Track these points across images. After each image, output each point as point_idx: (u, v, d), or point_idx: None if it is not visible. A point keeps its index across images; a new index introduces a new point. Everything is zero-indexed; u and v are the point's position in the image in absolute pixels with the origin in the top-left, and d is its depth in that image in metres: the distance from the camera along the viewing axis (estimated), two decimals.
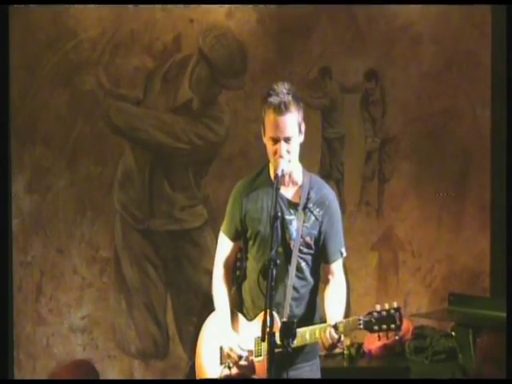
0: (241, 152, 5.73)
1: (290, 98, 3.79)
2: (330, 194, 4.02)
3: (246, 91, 5.73)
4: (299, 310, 3.93)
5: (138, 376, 5.67)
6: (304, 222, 3.91)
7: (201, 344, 4.11)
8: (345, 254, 3.93)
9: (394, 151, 5.97)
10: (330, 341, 3.75)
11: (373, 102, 5.93)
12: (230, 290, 4.11)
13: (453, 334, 5.27)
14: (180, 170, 5.71)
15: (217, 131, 5.73)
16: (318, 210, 3.94)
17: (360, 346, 5.54)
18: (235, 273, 4.19)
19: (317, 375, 4.03)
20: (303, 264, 3.93)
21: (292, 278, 3.90)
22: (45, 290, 5.62)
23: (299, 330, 3.79)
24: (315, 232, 3.93)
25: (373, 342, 5.47)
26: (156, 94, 5.68)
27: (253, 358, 3.87)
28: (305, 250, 3.92)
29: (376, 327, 3.73)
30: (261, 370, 3.84)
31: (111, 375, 5.63)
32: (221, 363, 3.98)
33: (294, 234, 3.89)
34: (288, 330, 3.72)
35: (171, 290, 5.73)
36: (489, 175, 5.93)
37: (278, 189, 3.80)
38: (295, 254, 3.89)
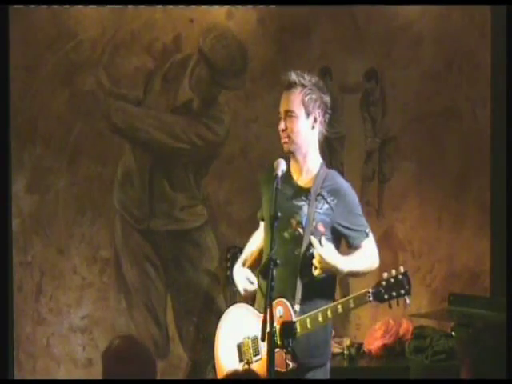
0: (241, 152, 5.74)
1: (298, 75, 4.02)
2: (344, 183, 4.09)
3: (246, 91, 5.73)
4: (303, 297, 3.91)
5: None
6: (316, 207, 3.93)
7: (218, 345, 4.13)
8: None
9: (394, 151, 5.97)
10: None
11: (373, 102, 5.93)
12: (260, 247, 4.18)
13: (453, 333, 5.27)
14: (180, 170, 5.71)
15: (217, 131, 5.73)
16: (331, 198, 3.96)
17: (360, 346, 5.55)
18: (226, 271, 4.26)
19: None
20: (311, 252, 3.92)
21: (302, 264, 3.90)
22: (45, 290, 5.62)
23: (309, 314, 3.82)
24: (328, 220, 3.94)
25: (373, 342, 5.48)
26: (156, 94, 5.68)
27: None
28: (318, 237, 3.91)
29: (386, 296, 3.74)
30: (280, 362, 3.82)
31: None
32: (240, 360, 3.99)
33: (304, 219, 3.91)
34: (288, 330, 3.73)
35: (171, 290, 5.73)
36: (489, 175, 5.93)
37: (277, 189, 3.81)
38: (306, 239, 3.90)
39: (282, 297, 3.85)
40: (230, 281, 4.16)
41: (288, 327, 3.73)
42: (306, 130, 4.01)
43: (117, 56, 5.63)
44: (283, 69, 5.70)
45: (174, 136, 5.68)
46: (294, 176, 4.03)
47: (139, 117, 5.66)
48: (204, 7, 5.63)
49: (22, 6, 5.42)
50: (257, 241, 4.26)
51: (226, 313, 4.16)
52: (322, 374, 4.00)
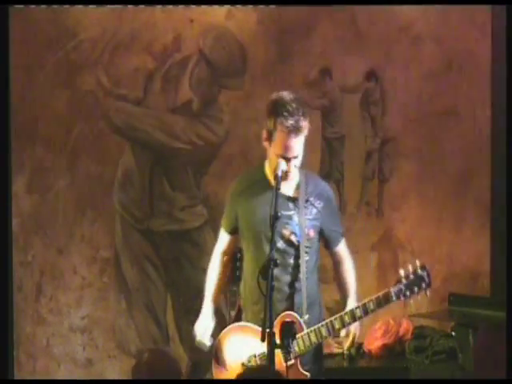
0: (241, 152, 5.73)
1: (303, 118, 3.82)
2: (326, 185, 4.14)
3: (246, 91, 5.72)
4: (308, 306, 3.97)
5: (137, 376, 5.66)
6: (306, 214, 3.94)
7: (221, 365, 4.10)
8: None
9: (394, 151, 5.97)
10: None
11: (373, 102, 5.93)
12: (222, 277, 4.19)
13: (453, 333, 5.27)
14: (180, 170, 5.71)
15: (217, 131, 5.73)
16: (318, 202, 3.99)
17: (360, 345, 5.54)
18: (235, 272, 4.22)
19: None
20: (307, 259, 3.96)
21: (304, 273, 3.92)
22: (45, 289, 5.62)
23: (324, 323, 3.87)
24: (318, 224, 3.97)
25: (373, 342, 5.48)
26: (156, 94, 5.68)
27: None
28: (308, 244, 3.95)
29: (408, 293, 3.78)
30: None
31: (111, 375, 5.63)
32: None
33: (297, 229, 3.92)
34: (288, 330, 3.73)
35: (171, 290, 5.73)
36: (489, 175, 5.93)
37: (278, 189, 3.82)
38: (303, 248, 3.91)
39: (287, 309, 3.89)
40: (238, 265, 4.17)
41: (288, 327, 3.74)
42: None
43: (117, 56, 5.63)
44: (283, 69, 5.76)
45: (174, 136, 5.68)
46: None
47: (139, 117, 5.66)
48: (204, 7, 5.63)
49: (22, 5, 5.42)
50: (216, 273, 4.23)
51: (223, 338, 4.10)
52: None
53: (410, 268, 3.83)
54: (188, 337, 5.67)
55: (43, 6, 5.49)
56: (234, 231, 4.14)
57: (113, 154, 5.66)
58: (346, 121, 5.89)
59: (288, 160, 3.87)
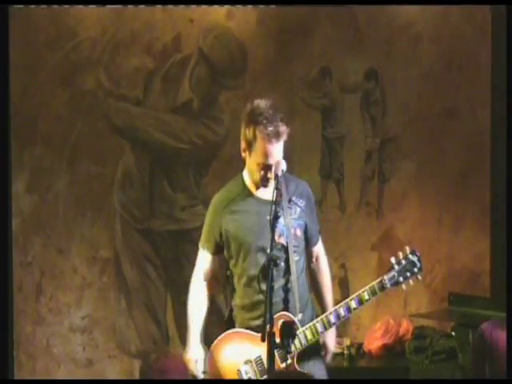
0: (241, 152, 5.72)
1: (281, 124, 3.83)
2: (305, 184, 4.11)
3: (246, 91, 5.72)
4: (301, 305, 3.95)
5: (138, 376, 5.64)
6: (290, 215, 3.94)
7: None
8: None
9: (394, 151, 5.97)
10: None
11: (373, 102, 5.93)
12: (207, 305, 4.19)
13: (453, 333, 5.27)
14: (180, 170, 5.71)
15: (217, 131, 5.73)
16: (301, 200, 4.00)
17: (360, 345, 5.54)
18: (226, 289, 4.21)
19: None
20: (296, 259, 3.96)
21: (295, 273, 3.92)
22: (45, 289, 5.62)
23: (319, 319, 3.88)
24: (303, 222, 3.98)
25: (373, 342, 5.48)
26: (156, 94, 5.68)
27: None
28: (296, 243, 3.95)
29: (401, 278, 3.82)
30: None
31: (111, 375, 5.63)
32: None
33: (285, 230, 3.91)
34: (288, 330, 3.73)
35: (171, 290, 5.73)
36: (489, 175, 5.93)
37: (278, 189, 3.81)
38: (291, 248, 3.91)
39: (283, 310, 3.89)
40: (229, 281, 4.15)
41: (288, 327, 3.74)
42: None
43: (117, 56, 5.63)
44: (283, 69, 5.76)
45: (174, 136, 5.68)
46: (257, 193, 3.99)
47: (139, 117, 5.66)
48: (204, 7, 5.63)
49: (22, 6, 5.42)
50: (202, 299, 4.21)
51: (215, 350, 4.08)
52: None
53: (401, 254, 3.87)
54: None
55: (43, 6, 5.49)
56: (217, 251, 4.10)
57: (113, 154, 5.66)
58: (346, 121, 5.89)
59: (269, 167, 3.86)
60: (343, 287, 5.64)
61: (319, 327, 3.89)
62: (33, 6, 5.47)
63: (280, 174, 3.88)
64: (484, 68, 5.91)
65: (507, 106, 5.32)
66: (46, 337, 5.62)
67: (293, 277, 3.92)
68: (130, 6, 5.58)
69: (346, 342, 5.54)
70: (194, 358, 4.08)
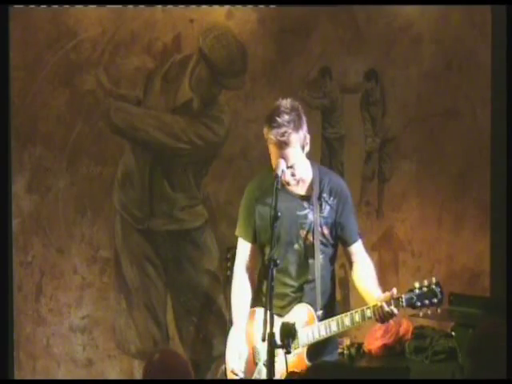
0: (241, 152, 5.73)
1: (290, 130, 3.83)
2: (339, 180, 4.13)
3: (246, 91, 5.72)
4: (323, 302, 3.99)
5: (138, 376, 5.66)
6: (320, 212, 3.95)
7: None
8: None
9: (394, 151, 5.98)
10: (389, 312, 3.80)
11: (373, 102, 5.93)
12: (251, 295, 4.12)
13: (453, 333, 5.27)
14: (180, 170, 5.70)
15: (217, 131, 5.72)
16: (331, 198, 4.00)
17: (360, 345, 5.54)
18: (226, 289, 4.22)
19: None
20: (321, 257, 3.97)
21: (318, 270, 3.93)
22: (45, 290, 5.61)
23: (335, 318, 3.88)
24: (331, 220, 3.98)
25: (373, 342, 5.48)
26: (156, 94, 5.68)
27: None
28: (325, 241, 3.96)
29: (418, 303, 3.82)
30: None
31: (111, 375, 5.63)
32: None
33: (312, 226, 3.93)
34: (288, 330, 3.73)
35: (171, 290, 5.73)
36: (489, 175, 5.93)
37: (277, 189, 3.82)
38: (317, 245, 3.92)
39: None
40: (229, 281, 4.15)
41: (288, 327, 3.74)
42: (304, 159, 3.99)
43: (117, 56, 5.62)
44: (283, 69, 5.76)
45: (174, 136, 5.68)
46: (290, 188, 4.02)
47: (139, 117, 5.66)
48: (204, 7, 5.63)
49: (22, 5, 5.41)
50: (245, 290, 4.15)
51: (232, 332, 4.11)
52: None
53: (426, 282, 3.87)
54: (188, 337, 5.69)
55: (43, 6, 5.49)
56: (254, 239, 4.12)
57: (113, 154, 5.66)
58: (346, 121, 5.90)
59: (289, 169, 3.91)
60: (343, 287, 5.64)
61: (347, 321, 3.89)
62: (33, 6, 5.46)
63: (280, 173, 3.88)
64: (484, 68, 5.91)
65: (507, 106, 5.33)
66: (46, 337, 5.61)
67: (316, 273, 3.93)
68: (130, 6, 5.58)
69: (346, 341, 5.54)
70: (238, 353, 4.03)
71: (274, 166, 3.93)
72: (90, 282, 5.65)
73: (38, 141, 5.59)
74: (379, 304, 3.83)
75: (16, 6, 5.39)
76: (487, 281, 5.95)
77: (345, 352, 5.45)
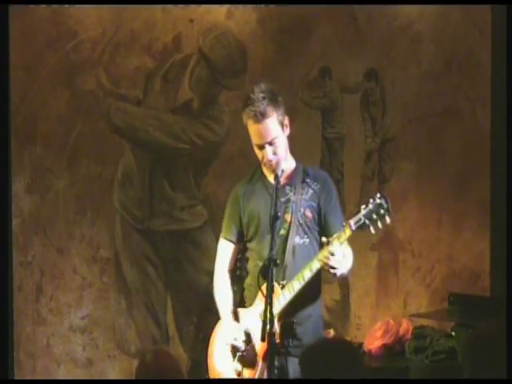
0: (241, 152, 5.73)
1: (265, 103, 3.93)
2: (325, 173, 4.19)
3: (246, 91, 5.71)
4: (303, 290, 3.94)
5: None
6: (302, 194, 3.97)
7: (212, 355, 4.12)
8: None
9: (394, 151, 5.98)
10: (330, 257, 3.79)
11: (373, 102, 5.93)
12: (233, 294, 4.19)
13: (453, 333, 5.27)
14: (180, 170, 5.71)
15: (217, 131, 5.73)
16: (315, 183, 4.04)
17: (360, 345, 5.54)
18: (235, 273, 4.23)
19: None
20: (307, 240, 3.96)
21: (291, 245, 3.93)
22: (45, 290, 5.61)
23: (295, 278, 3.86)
24: (314, 205, 3.99)
25: (373, 342, 5.48)
26: (156, 94, 5.68)
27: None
28: (308, 223, 3.95)
29: (367, 221, 3.79)
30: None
31: (111, 375, 5.63)
32: (233, 359, 3.99)
33: (293, 207, 3.94)
34: (288, 330, 3.73)
35: (171, 290, 5.73)
36: (489, 175, 5.93)
37: (278, 189, 3.82)
38: (295, 223, 3.92)
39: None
40: (242, 264, 4.17)
41: (288, 327, 3.74)
42: (285, 140, 4.02)
43: (117, 56, 5.62)
44: (283, 69, 5.76)
45: (174, 136, 5.68)
46: (271, 179, 4.04)
47: (139, 117, 5.66)
48: (204, 7, 5.63)
49: (22, 5, 5.41)
50: (227, 295, 4.22)
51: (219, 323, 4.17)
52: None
53: (370, 199, 3.87)
54: (188, 337, 5.69)
55: (43, 6, 5.49)
56: (239, 239, 4.14)
57: (113, 154, 5.66)
58: (346, 121, 5.90)
59: (262, 147, 3.95)
60: (343, 287, 5.64)
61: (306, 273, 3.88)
62: (33, 6, 5.46)
63: (280, 173, 3.89)
64: (484, 68, 5.91)
65: (507, 106, 5.33)
66: (46, 337, 5.61)
67: (287, 254, 3.91)
68: (130, 6, 5.58)
69: None
70: (233, 336, 4.05)
71: (255, 149, 3.98)
72: (90, 282, 5.65)
73: (38, 141, 5.58)
74: (324, 240, 3.84)
75: (16, 6, 5.39)
76: (487, 281, 5.95)
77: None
